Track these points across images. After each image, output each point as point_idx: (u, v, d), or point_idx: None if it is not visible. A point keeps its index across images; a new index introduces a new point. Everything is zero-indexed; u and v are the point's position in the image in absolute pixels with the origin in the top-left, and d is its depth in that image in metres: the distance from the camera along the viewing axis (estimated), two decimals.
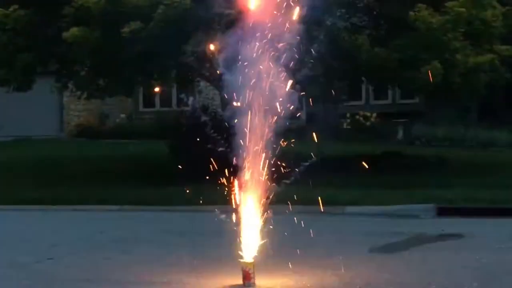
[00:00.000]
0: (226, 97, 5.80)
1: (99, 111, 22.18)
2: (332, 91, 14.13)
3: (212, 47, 6.57)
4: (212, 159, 6.00)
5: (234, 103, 5.59)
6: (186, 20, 10.47)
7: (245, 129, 5.53)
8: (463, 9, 10.95)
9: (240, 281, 5.48)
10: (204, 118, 6.72)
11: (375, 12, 11.86)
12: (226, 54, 5.67)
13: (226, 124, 5.68)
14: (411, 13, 10.92)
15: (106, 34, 11.08)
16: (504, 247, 7.63)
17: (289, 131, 5.85)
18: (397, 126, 19.95)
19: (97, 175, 13.37)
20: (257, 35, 5.52)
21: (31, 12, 12.15)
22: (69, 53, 11.84)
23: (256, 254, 5.66)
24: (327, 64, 9.89)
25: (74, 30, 10.89)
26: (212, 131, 5.87)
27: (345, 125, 18.46)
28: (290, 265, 5.97)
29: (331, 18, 10.51)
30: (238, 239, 5.67)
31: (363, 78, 14.65)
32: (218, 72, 6.19)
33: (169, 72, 13.39)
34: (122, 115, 22.36)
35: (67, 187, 12.15)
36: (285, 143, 5.71)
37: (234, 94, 5.48)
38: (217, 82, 6.18)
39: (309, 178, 6.22)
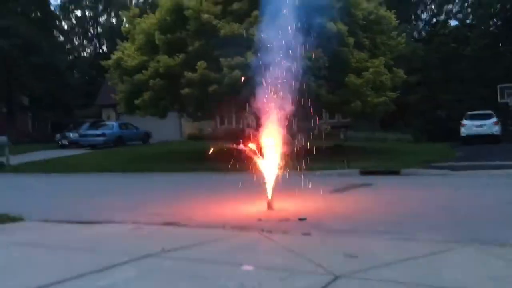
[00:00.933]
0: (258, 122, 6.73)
1: (198, 126, 29.33)
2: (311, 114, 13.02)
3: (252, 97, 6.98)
4: (255, 150, 6.65)
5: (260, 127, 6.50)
6: (238, 82, 12.59)
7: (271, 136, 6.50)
8: (371, 76, 15.59)
9: (266, 208, 6.51)
10: (249, 131, 7.08)
11: (328, 77, 14.78)
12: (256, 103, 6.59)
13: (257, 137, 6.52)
14: (346, 78, 15.28)
15: (201, 91, 15.18)
16: (394, 189, 9.21)
17: (293, 135, 6.64)
18: (340, 132, 25.15)
19: (194, 158, 16.59)
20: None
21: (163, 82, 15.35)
22: (184, 100, 16.29)
23: (273, 195, 6.59)
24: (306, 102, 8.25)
25: (186, 90, 15.26)
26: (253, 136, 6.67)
27: (316, 132, 13.15)
28: (291, 199, 7.01)
29: (311, 78, 12.66)
30: (264, 188, 6.60)
31: (323, 110, 18.88)
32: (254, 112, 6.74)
33: (232, 108, 17.51)
34: (209, 129, 29.10)
35: (179, 163, 16.35)
36: (291, 141, 6.43)
37: (263, 120, 6.51)
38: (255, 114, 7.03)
39: (301, 157, 7.05)
